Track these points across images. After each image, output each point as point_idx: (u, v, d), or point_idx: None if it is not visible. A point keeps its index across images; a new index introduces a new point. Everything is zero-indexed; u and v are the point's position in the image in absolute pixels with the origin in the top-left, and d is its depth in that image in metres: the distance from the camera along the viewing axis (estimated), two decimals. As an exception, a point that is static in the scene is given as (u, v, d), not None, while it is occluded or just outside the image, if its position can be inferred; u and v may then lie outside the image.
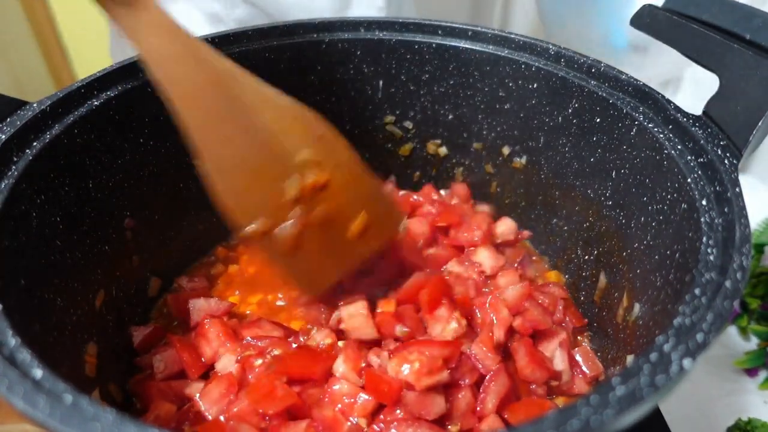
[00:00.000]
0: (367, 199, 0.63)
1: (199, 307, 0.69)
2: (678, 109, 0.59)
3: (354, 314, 0.64)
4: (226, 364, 0.62)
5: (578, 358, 0.67)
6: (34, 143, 0.57)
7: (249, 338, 0.66)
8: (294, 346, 0.65)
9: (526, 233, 0.85)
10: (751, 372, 0.81)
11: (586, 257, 0.74)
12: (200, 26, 1.11)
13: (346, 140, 0.63)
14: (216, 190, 0.58)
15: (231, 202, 0.58)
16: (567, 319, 0.71)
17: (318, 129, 0.61)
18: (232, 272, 0.81)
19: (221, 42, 0.75)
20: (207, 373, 0.65)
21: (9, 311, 0.42)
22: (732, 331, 0.87)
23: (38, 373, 0.37)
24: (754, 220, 0.98)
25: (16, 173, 0.53)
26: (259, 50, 0.76)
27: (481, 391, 0.60)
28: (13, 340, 0.40)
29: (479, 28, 0.77)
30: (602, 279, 0.70)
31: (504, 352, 0.65)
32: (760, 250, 0.92)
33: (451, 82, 0.81)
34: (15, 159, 0.54)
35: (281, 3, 1.06)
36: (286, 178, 0.58)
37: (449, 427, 0.59)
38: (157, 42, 0.54)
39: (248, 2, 1.11)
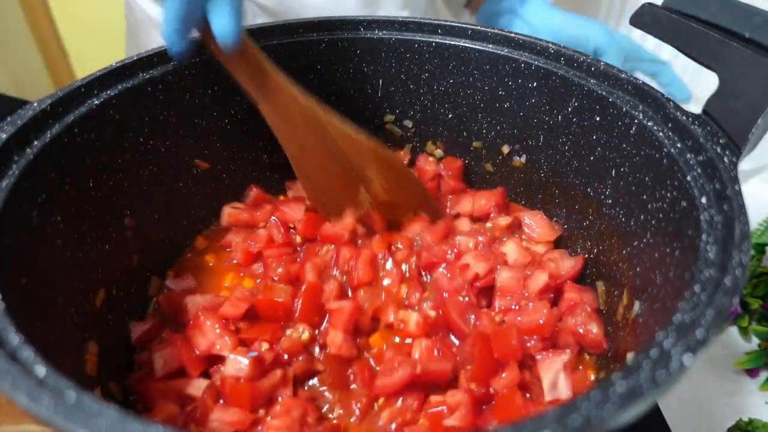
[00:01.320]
0: (417, 205, 0.82)
1: (196, 303, 0.69)
2: (677, 107, 0.59)
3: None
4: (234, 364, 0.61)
5: (560, 379, 0.61)
6: (35, 142, 0.57)
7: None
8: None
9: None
10: (752, 372, 0.81)
11: (586, 255, 0.74)
12: None
13: (404, 163, 0.83)
14: (308, 196, 0.82)
15: (317, 203, 0.81)
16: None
17: (380, 153, 0.77)
18: (215, 262, 0.80)
19: (221, 41, 0.75)
20: (207, 370, 0.64)
21: (11, 310, 0.42)
22: (733, 331, 0.87)
23: (41, 370, 0.37)
24: (755, 220, 0.98)
25: (16, 172, 0.53)
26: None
27: None
28: (16, 338, 0.40)
29: (479, 27, 0.77)
30: (602, 277, 0.71)
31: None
32: (761, 250, 0.91)
33: (451, 81, 0.81)
34: (15, 158, 0.54)
35: (306, 13, 1.05)
36: (356, 187, 0.78)
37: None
38: (275, 101, 0.72)
39: (269, 13, 1.11)
